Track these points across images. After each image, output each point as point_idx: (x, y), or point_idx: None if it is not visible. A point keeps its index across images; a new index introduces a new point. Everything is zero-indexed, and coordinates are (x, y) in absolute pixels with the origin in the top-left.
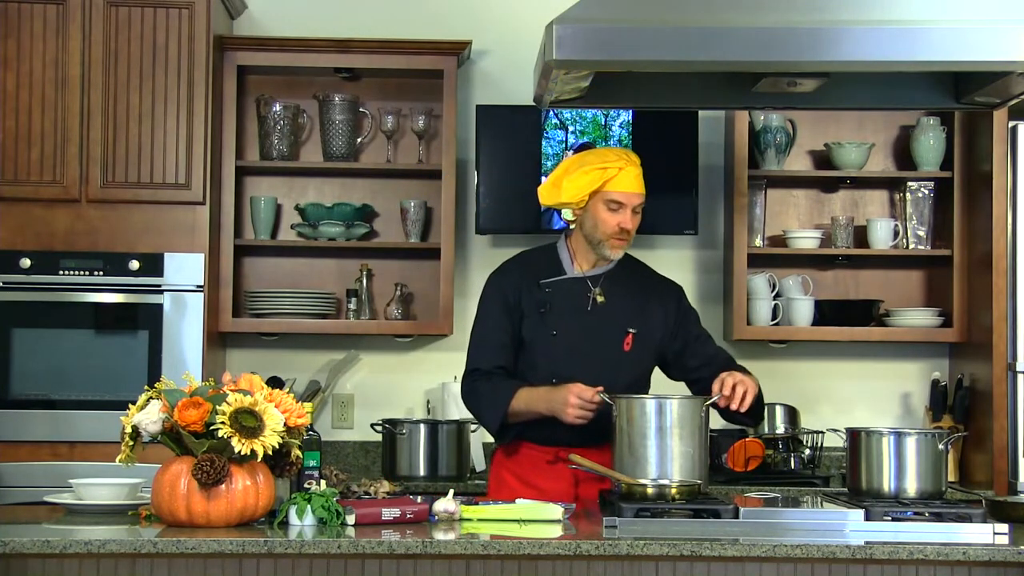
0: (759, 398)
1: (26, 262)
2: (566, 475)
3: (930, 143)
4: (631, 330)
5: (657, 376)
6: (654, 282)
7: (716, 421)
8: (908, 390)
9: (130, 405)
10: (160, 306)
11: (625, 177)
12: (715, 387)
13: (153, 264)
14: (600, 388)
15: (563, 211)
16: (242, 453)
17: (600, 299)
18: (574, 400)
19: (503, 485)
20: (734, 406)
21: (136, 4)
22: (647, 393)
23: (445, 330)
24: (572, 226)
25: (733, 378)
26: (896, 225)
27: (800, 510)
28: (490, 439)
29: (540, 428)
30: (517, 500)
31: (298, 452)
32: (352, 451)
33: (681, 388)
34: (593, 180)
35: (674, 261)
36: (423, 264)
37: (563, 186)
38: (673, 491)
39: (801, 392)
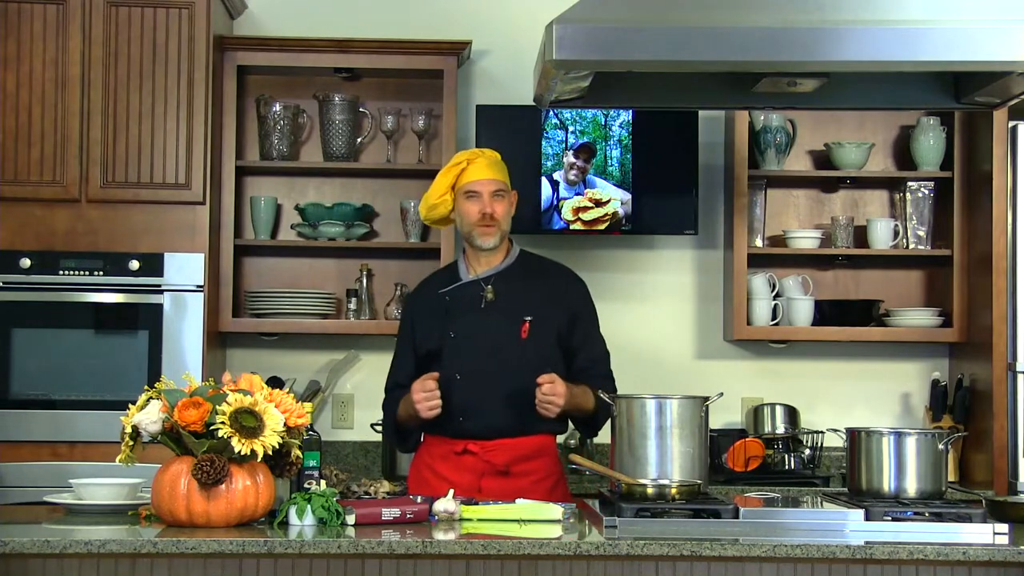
0: (594, 418)
1: (26, 262)
2: (472, 467)
3: (930, 143)
4: (527, 318)
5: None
6: (553, 272)
7: (716, 421)
8: (908, 390)
9: (130, 405)
10: (160, 306)
11: (475, 168)
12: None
13: (153, 264)
14: (435, 374)
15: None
16: (242, 453)
17: (490, 296)
18: (418, 397)
19: (419, 478)
20: (539, 406)
21: (136, 4)
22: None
23: None
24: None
25: (551, 379)
26: (896, 225)
27: (800, 510)
28: None
29: (449, 422)
30: (517, 500)
31: (298, 452)
32: (352, 451)
33: (681, 388)
34: (449, 180)
35: (674, 261)
36: (423, 264)
37: (430, 197)
38: (673, 491)
39: (801, 392)
